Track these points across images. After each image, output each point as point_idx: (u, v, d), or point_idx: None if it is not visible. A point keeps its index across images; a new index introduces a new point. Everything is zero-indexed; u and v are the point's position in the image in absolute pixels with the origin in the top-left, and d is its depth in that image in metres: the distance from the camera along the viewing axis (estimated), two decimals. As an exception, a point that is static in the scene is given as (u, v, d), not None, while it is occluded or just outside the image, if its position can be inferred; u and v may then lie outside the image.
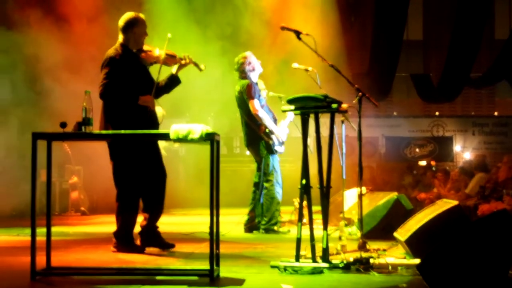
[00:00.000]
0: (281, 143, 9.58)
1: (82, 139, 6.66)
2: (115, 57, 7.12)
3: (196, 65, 7.53)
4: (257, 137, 9.40)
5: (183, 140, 5.54)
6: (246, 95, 9.28)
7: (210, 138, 5.51)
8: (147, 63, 7.40)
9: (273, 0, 15.10)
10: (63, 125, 5.55)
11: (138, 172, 7.18)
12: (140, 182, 7.22)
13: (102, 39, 13.21)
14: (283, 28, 7.12)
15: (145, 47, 7.42)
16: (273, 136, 9.38)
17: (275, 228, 9.45)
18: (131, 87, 7.06)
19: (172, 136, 5.54)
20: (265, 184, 9.44)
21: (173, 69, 7.46)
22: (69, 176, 14.55)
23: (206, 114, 14.80)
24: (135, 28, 7.27)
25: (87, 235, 9.49)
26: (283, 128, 9.75)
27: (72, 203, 14.31)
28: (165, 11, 12.46)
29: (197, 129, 5.49)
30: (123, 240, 7.18)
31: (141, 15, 7.40)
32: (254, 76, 9.48)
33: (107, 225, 11.05)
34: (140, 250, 7.19)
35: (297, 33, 6.95)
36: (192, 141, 5.53)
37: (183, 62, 7.37)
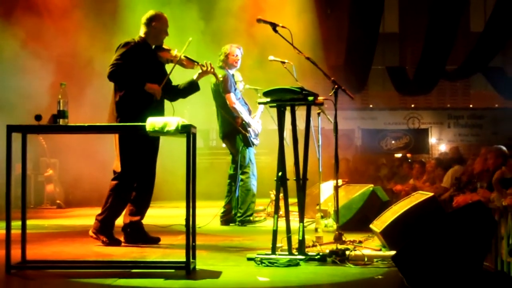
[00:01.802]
0: (257, 135, 9.59)
1: (58, 131, 6.61)
2: (131, 42, 7.24)
3: (215, 75, 7.68)
4: (233, 130, 9.40)
5: (159, 132, 5.53)
6: (222, 89, 9.27)
7: (186, 131, 5.50)
8: (163, 60, 7.41)
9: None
10: (38, 117, 5.51)
11: (139, 166, 7.17)
12: (138, 173, 7.20)
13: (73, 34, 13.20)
14: (259, 21, 7.11)
15: (164, 46, 7.46)
16: (249, 129, 9.38)
17: (251, 219, 9.46)
18: (140, 73, 7.10)
19: (148, 128, 5.52)
20: (241, 176, 9.45)
21: (195, 75, 7.48)
22: (44, 169, 14.45)
23: (182, 107, 14.76)
24: (155, 23, 7.34)
25: (63, 228, 9.44)
26: (257, 118, 9.76)
27: (48, 196, 14.22)
28: (138, 4, 12.41)
29: (173, 122, 5.48)
30: (104, 229, 7.14)
31: (165, 15, 7.48)
32: (232, 70, 9.48)
33: (83, 218, 11.02)
34: (118, 243, 7.16)
35: (273, 26, 6.95)
36: (168, 133, 5.52)
37: (204, 69, 7.39)
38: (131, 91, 7.06)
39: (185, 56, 7.33)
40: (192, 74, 7.48)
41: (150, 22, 7.35)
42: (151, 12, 7.44)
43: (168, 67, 7.47)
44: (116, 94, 7.16)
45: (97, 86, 7.23)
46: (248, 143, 9.41)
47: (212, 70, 7.44)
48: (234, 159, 9.56)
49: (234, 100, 9.25)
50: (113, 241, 7.13)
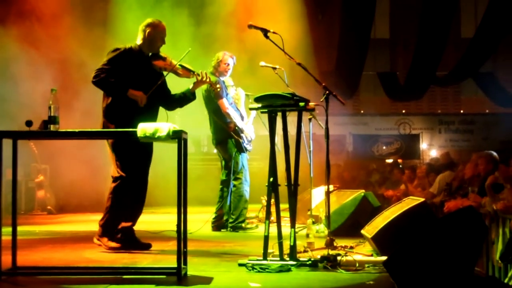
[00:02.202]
0: (250, 141, 9.59)
1: (48, 137, 6.60)
2: (121, 48, 7.21)
3: (211, 84, 7.78)
4: (226, 135, 9.40)
5: (150, 138, 5.53)
6: (214, 95, 9.26)
7: (178, 136, 5.50)
8: (157, 68, 7.37)
9: (240, -2, 15.10)
10: (29, 123, 5.50)
11: (134, 167, 7.15)
12: (135, 176, 7.17)
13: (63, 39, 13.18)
14: (250, 27, 7.11)
15: (162, 54, 7.42)
16: (242, 135, 9.38)
17: (243, 225, 9.46)
18: (126, 79, 7.05)
19: (139, 134, 5.52)
20: (234, 182, 9.45)
21: (191, 85, 7.49)
22: (35, 175, 14.41)
23: (173, 113, 14.75)
24: (151, 31, 7.31)
25: (54, 234, 9.41)
26: (249, 125, 9.77)
27: (38, 202, 14.17)
28: (130, 10, 12.41)
29: (165, 127, 5.48)
30: (106, 230, 7.12)
31: (162, 23, 7.45)
32: (222, 77, 9.48)
33: (74, 224, 11.00)
34: (124, 249, 7.10)
35: (265, 32, 6.95)
36: (159, 139, 5.51)
37: (199, 78, 7.37)
38: (114, 96, 7.04)
39: (180, 65, 7.30)
40: (189, 83, 7.48)
41: (143, 31, 7.33)
42: (148, 20, 7.41)
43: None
44: (103, 101, 7.15)
45: (89, 92, 7.22)
46: (241, 149, 9.41)
47: (208, 79, 7.44)
48: (227, 165, 9.55)
49: (227, 105, 9.26)
50: (114, 241, 7.09)
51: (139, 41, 7.35)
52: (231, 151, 9.42)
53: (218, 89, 8.05)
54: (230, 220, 9.46)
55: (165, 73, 7.32)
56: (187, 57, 7.26)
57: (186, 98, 7.56)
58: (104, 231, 7.13)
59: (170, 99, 7.55)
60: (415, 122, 25.63)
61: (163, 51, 7.44)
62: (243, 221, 9.48)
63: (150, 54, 7.37)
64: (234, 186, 9.46)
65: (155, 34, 7.33)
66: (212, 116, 9.46)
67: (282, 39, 6.82)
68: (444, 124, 25.76)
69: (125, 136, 6.32)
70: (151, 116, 7.22)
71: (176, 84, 7.66)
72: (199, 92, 9.40)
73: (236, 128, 9.33)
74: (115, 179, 7.15)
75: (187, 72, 7.37)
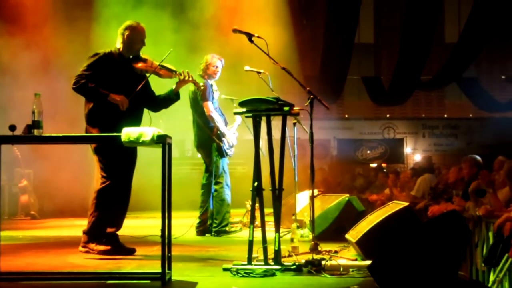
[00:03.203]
0: (231, 146, 9.58)
1: (32, 142, 6.55)
2: (100, 53, 7.13)
3: (195, 82, 7.64)
4: (208, 139, 9.38)
5: (135, 142, 5.51)
6: (200, 97, 9.26)
7: (162, 141, 5.49)
8: (138, 70, 7.32)
9: (225, 2, 15.08)
10: (12, 128, 5.47)
11: (120, 173, 7.08)
12: (119, 183, 7.11)
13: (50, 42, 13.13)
14: (235, 31, 7.11)
15: (143, 56, 7.36)
16: (224, 139, 9.37)
17: (227, 229, 9.45)
18: (106, 84, 6.97)
19: (123, 138, 5.50)
20: (215, 187, 9.43)
21: (173, 85, 7.43)
22: (18, 180, 14.34)
23: (157, 117, 14.71)
24: (129, 34, 7.24)
25: (37, 239, 9.36)
26: (234, 130, 9.77)
27: (22, 207, 14.11)
28: (115, 15, 12.38)
29: (149, 132, 5.47)
30: (92, 236, 7.01)
31: (141, 24, 7.38)
32: (210, 80, 9.48)
33: (58, 229, 10.95)
34: (112, 252, 7.01)
35: (249, 36, 6.96)
36: (144, 143, 5.51)
37: (181, 77, 7.33)
38: (95, 101, 6.99)
39: (161, 66, 7.24)
40: (173, 83, 7.45)
41: (122, 34, 7.27)
42: (126, 23, 7.36)
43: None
44: (85, 106, 7.09)
45: (74, 96, 7.21)
46: (221, 153, 9.39)
47: (191, 78, 7.40)
48: (207, 168, 9.53)
49: (211, 108, 9.25)
50: (102, 244, 6.99)
51: (118, 44, 7.29)
52: (212, 154, 9.41)
53: (202, 87, 7.99)
54: (214, 225, 9.44)
55: (147, 75, 7.29)
56: (169, 58, 7.24)
57: (170, 98, 7.50)
58: (91, 237, 7.02)
59: (154, 101, 7.49)
60: (399, 126, 25.70)
61: (145, 53, 7.41)
62: (226, 225, 9.47)
63: (130, 57, 7.33)
64: (216, 190, 9.44)
65: (134, 36, 7.26)
66: (196, 118, 9.45)
67: (267, 43, 6.83)
68: (428, 128, 25.84)
69: (109, 141, 6.28)
70: (135, 119, 7.18)
71: (162, 85, 7.62)
72: (184, 95, 9.41)
73: (218, 132, 9.32)
74: (102, 182, 7.09)
75: (169, 73, 7.33)
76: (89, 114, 7.04)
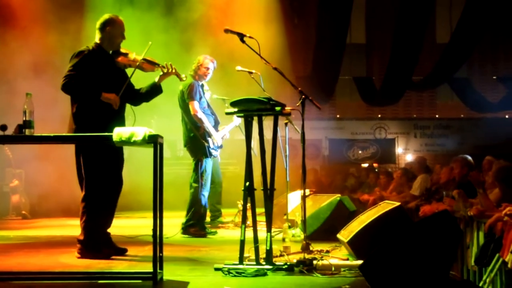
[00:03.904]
0: (217, 147, 9.51)
1: (23, 142, 6.53)
2: (84, 51, 7.03)
3: (177, 75, 7.53)
4: (194, 138, 9.34)
5: (126, 142, 5.51)
6: (187, 96, 9.24)
7: (153, 141, 5.49)
8: (121, 65, 7.28)
9: (216, 2, 15.07)
10: (3, 128, 5.46)
11: (104, 175, 7.00)
12: (105, 185, 7.03)
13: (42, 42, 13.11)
14: (226, 31, 7.11)
15: (122, 50, 7.32)
16: (209, 139, 9.31)
17: (191, 230, 9.29)
18: (95, 82, 6.93)
19: (115, 138, 5.50)
20: (193, 184, 9.37)
21: (156, 78, 7.38)
22: (9, 180, 14.30)
23: (149, 117, 14.71)
24: (109, 28, 7.17)
25: (29, 239, 9.33)
26: (225, 132, 9.75)
27: (13, 207, 14.07)
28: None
29: (140, 132, 5.47)
30: (89, 245, 6.92)
31: (120, 18, 7.32)
32: (201, 81, 9.47)
33: (49, 228, 10.93)
34: (107, 255, 6.94)
35: (241, 36, 6.95)
36: (135, 143, 5.51)
37: (165, 70, 7.30)
38: (87, 102, 6.92)
39: (144, 59, 7.22)
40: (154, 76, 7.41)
41: (104, 27, 7.19)
42: (104, 17, 7.27)
43: (129, 71, 7.39)
44: (72, 106, 7.01)
45: (65, 96, 7.19)
46: (205, 154, 9.35)
47: (173, 70, 7.35)
48: (195, 167, 9.50)
49: (196, 108, 9.21)
50: (101, 256, 6.89)
51: (98, 40, 7.22)
52: (197, 154, 9.38)
53: (184, 79, 7.85)
54: (183, 221, 9.37)
55: (131, 69, 7.25)
56: (161, 56, 7.22)
57: (153, 92, 7.45)
58: (88, 247, 6.91)
59: (135, 95, 7.42)
60: (391, 126, 25.71)
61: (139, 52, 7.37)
62: (193, 225, 9.32)
63: (111, 52, 7.27)
64: (192, 188, 9.37)
65: (115, 30, 7.21)
66: (184, 117, 9.42)
67: (258, 43, 6.83)
68: (419, 128, 25.85)
69: (100, 141, 6.26)
70: (121, 117, 7.16)
71: (143, 79, 7.56)
72: (175, 95, 9.40)
73: (204, 132, 9.27)
74: (86, 186, 6.99)
75: (152, 66, 7.29)
76: (77, 115, 6.95)
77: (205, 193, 9.39)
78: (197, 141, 9.33)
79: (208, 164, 9.41)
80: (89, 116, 6.89)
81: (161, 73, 7.35)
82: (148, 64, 7.28)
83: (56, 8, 13.59)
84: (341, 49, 19.78)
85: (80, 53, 7.02)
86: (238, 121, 9.65)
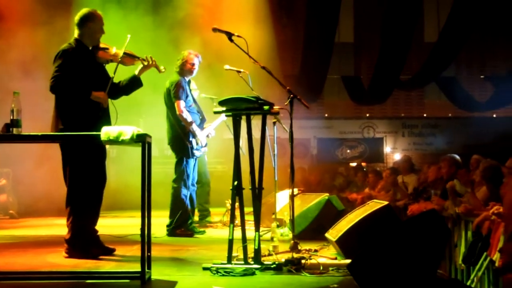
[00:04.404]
0: (201, 147, 9.44)
1: (11, 141, 6.50)
2: (67, 50, 6.94)
3: (156, 67, 7.45)
4: (178, 137, 9.30)
5: (114, 141, 5.50)
6: (173, 95, 9.19)
7: (141, 140, 5.48)
8: (103, 60, 7.23)
9: (204, 1, 15.04)
10: (-10, 127, 5.44)
11: (90, 173, 6.95)
12: (90, 183, 6.98)
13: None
14: (214, 30, 7.10)
15: (102, 45, 7.24)
16: (192, 140, 9.26)
17: (177, 232, 9.23)
18: (83, 81, 6.89)
19: (103, 137, 5.49)
20: (173, 184, 9.33)
21: (136, 70, 7.32)
22: (-3, 179, 14.26)
23: (137, 116, 14.68)
24: (90, 23, 7.10)
25: (16, 239, 9.30)
26: (210, 129, 9.71)
27: (0, 206, 14.01)
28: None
29: (128, 131, 5.45)
30: (76, 245, 6.89)
31: (98, 12, 7.23)
32: (187, 77, 9.42)
33: (37, 228, 10.89)
34: (94, 255, 6.90)
35: (229, 35, 6.95)
36: (123, 142, 5.49)
37: (145, 63, 7.24)
38: (75, 101, 6.86)
39: (125, 53, 7.17)
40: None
41: (84, 22, 7.10)
42: (83, 12, 7.16)
43: (109, 66, 7.33)
44: (58, 105, 6.94)
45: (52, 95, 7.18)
46: (188, 154, 9.30)
47: (153, 63, 7.31)
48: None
49: (182, 108, 9.14)
50: (89, 256, 6.85)
51: (78, 35, 7.13)
52: (180, 153, 9.33)
53: (163, 70, 7.77)
54: (167, 224, 9.34)
55: (113, 64, 7.20)
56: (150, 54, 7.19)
57: (134, 85, 7.38)
58: (75, 247, 6.89)
59: (116, 89, 7.33)
60: (379, 125, 25.75)
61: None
62: (179, 227, 9.28)
63: (91, 47, 7.19)
64: (173, 188, 9.34)
65: (95, 26, 7.14)
66: (170, 115, 9.36)
67: (247, 42, 6.83)
68: (407, 127, 25.91)
69: (88, 140, 6.23)
70: (107, 114, 7.09)
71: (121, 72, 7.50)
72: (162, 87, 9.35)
73: (188, 132, 9.21)
74: (70, 185, 6.96)
75: (132, 59, 7.24)
76: (63, 114, 6.89)
77: (186, 193, 9.32)
78: (180, 141, 9.28)
79: (189, 164, 9.35)
80: (75, 115, 6.82)
81: (141, 66, 7.30)
82: (128, 58, 7.22)
83: (43, 6, 13.54)
84: (330, 48, 19.79)
85: (64, 52, 6.93)
86: (223, 117, 9.56)
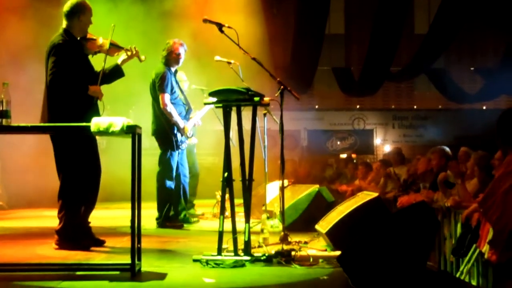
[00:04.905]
0: (186, 138, 9.38)
1: (0, 132, 6.46)
2: (62, 44, 6.84)
3: (138, 57, 7.34)
4: (162, 129, 9.26)
5: (104, 133, 5.48)
6: (158, 87, 9.13)
7: (132, 131, 5.46)
8: (90, 52, 7.17)
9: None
10: (-20, 117, 5.42)
11: (82, 165, 6.91)
12: (83, 175, 6.94)
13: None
14: (205, 21, 7.08)
15: (88, 35, 7.17)
16: (177, 133, 9.24)
17: (167, 224, 9.19)
18: (80, 76, 6.86)
19: (93, 129, 5.47)
20: (158, 177, 9.28)
21: (119, 60, 7.24)
22: (-14, 170, 14.21)
23: (127, 107, 14.64)
24: (81, 16, 7.02)
25: (5, 230, 9.27)
26: (197, 118, 9.67)
27: (-10, 198, 13.98)
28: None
29: (118, 122, 5.44)
30: (67, 237, 6.86)
31: (88, 2, 7.13)
32: (173, 67, 9.35)
33: (26, 219, 10.86)
34: (85, 247, 6.88)
35: (219, 26, 6.94)
36: (113, 134, 5.47)
37: (129, 53, 7.17)
38: (70, 94, 6.80)
39: (111, 44, 7.10)
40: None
41: (74, 14, 7.00)
42: (73, 2, 7.03)
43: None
44: (50, 98, 6.87)
45: (43, 86, 7.15)
46: (172, 147, 9.25)
47: (136, 53, 7.24)
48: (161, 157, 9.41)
49: (166, 101, 9.06)
50: (81, 247, 6.83)
51: (66, 26, 7.04)
52: (164, 145, 9.30)
53: (143, 59, 7.65)
54: (156, 217, 9.32)
55: (100, 55, 7.14)
56: (140, 48, 7.16)
57: (116, 75, 7.26)
58: (63, 239, 6.86)
59: (97, 78, 7.19)
60: (369, 117, 25.81)
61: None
62: (167, 219, 9.25)
63: (79, 38, 7.11)
64: (158, 181, 9.33)
65: (86, 18, 7.07)
66: (155, 106, 9.30)
67: (237, 33, 6.81)
68: (397, 119, 25.98)
69: (78, 131, 6.20)
70: (96, 105, 7.04)
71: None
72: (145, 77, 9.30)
73: (173, 124, 9.16)
74: (63, 178, 6.94)
75: (118, 50, 7.17)
76: (54, 105, 6.82)
77: (172, 184, 9.31)
78: (165, 133, 9.23)
79: (173, 156, 9.30)
80: (69, 108, 6.76)
81: (125, 56, 7.24)
82: (114, 49, 7.15)
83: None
84: (320, 39, 19.79)
85: (59, 46, 6.83)
86: (209, 106, 9.47)
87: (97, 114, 6.91)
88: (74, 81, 6.80)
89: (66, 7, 7.06)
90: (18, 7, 13.30)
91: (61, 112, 6.76)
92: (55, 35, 7.03)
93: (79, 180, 6.90)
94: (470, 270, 7.22)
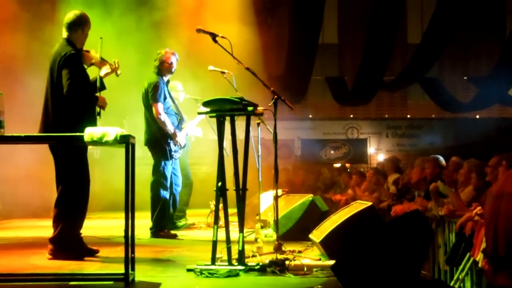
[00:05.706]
0: (180, 148, 9.37)
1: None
2: (75, 54, 6.86)
3: (115, 71, 7.28)
4: (155, 138, 9.26)
5: (98, 142, 5.48)
6: (150, 96, 9.12)
7: (125, 141, 5.46)
8: (87, 63, 7.18)
9: (189, 1, 15.03)
10: (-27, 127, 5.41)
11: (82, 175, 6.93)
12: (83, 185, 6.96)
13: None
14: (199, 31, 7.09)
15: (84, 47, 7.20)
16: (170, 142, 9.23)
17: (161, 234, 9.15)
18: (91, 87, 6.90)
19: (86, 138, 5.46)
20: (152, 187, 9.27)
21: (101, 72, 7.16)
22: (-21, 180, 14.15)
23: (121, 117, 14.63)
24: (85, 28, 7.06)
25: (-1, 240, 9.26)
26: (189, 128, 9.67)
27: (-17, 208, 13.93)
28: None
29: (112, 132, 5.44)
30: (61, 245, 6.84)
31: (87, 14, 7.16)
32: (166, 77, 9.35)
33: (20, 229, 10.83)
34: (79, 256, 6.86)
35: (213, 36, 6.94)
36: (107, 143, 5.47)
37: (113, 67, 7.15)
38: (81, 105, 6.81)
39: (101, 57, 7.14)
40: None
41: (79, 26, 7.02)
42: (77, 14, 7.07)
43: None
44: (52, 104, 6.86)
45: (37, 97, 7.11)
46: (165, 156, 9.25)
47: (117, 67, 7.18)
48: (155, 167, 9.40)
49: (160, 110, 9.06)
50: (76, 256, 6.83)
51: (68, 37, 7.02)
52: (157, 155, 9.29)
53: (119, 74, 7.62)
54: (150, 227, 9.30)
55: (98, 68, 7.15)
56: (134, 60, 7.17)
57: (101, 87, 7.14)
58: (58, 248, 6.84)
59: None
60: (363, 126, 25.85)
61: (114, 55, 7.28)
62: (161, 229, 9.22)
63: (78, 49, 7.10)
64: (152, 191, 9.32)
65: (88, 30, 7.11)
66: (147, 116, 9.30)
67: (231, 43, 6.83)
68: (391, 128, 26.03)
69: (72, 141, 6.20)
70: (95, 115, 7.05)
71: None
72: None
73: (166, 134, 9.15)
74: (62, 188, 6.94)
75: (104, 63, 7.17)
76: (67, 119, 6.77)
77: (166, 194, 9.30)
78: (158, 143, 9.21)
79: (167, 166, 9.30)
80: (76, 116, 6.73)
81: (109, 70, 7.18)
82: (103, 62, 7.17)
83: (28, 5, 13.48)
84: (314, 49, 19.84)
85: (72, 57, 6.81)
86: (201, 116, 9.45)
87: (94, 123, 6.92)
88: (89, 91, 6.83)
89: (70, 18, 7.05)
90: (9, 20, 13.28)
91: (70, 122, 6.72)
92: (59, 45, 7.01)
93: (79, 191, 6.91)
94: (464, 279, 7.23)
